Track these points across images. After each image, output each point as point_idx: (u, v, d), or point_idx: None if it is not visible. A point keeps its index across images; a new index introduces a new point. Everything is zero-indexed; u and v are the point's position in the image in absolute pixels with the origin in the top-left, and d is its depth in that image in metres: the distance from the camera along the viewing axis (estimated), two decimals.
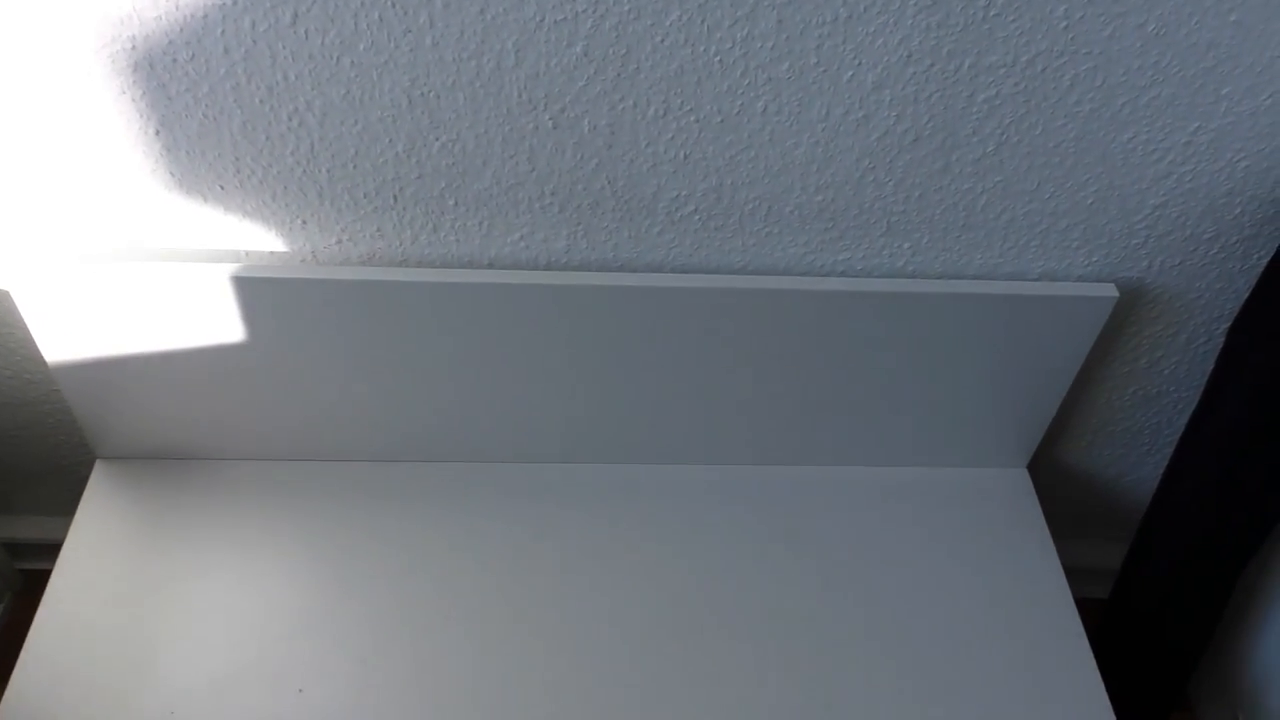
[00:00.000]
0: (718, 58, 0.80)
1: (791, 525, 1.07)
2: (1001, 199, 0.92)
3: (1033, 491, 1.13)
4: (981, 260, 0.97)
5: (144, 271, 0.90)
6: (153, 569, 0.98)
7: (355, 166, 0.87)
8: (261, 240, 0.93)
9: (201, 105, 0.82)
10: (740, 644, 0.97)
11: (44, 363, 1.05)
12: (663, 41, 0.79)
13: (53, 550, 1.26)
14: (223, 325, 0.94)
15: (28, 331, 1.02)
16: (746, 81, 0.82)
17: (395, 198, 0.90)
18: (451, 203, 0.90)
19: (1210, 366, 1.06)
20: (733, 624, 0.99)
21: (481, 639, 0.95)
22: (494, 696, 0.92)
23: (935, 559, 1.05)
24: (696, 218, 0.92)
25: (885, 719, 0.93)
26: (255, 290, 0.91)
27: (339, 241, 0.93)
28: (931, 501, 1.10)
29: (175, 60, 0.79)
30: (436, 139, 0.85)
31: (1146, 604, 1.14)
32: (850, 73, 0.81)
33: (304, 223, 0.91)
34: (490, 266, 0.96)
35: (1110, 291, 0.97)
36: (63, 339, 0.94)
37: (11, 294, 0.92)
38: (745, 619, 0.99)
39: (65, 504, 1.24)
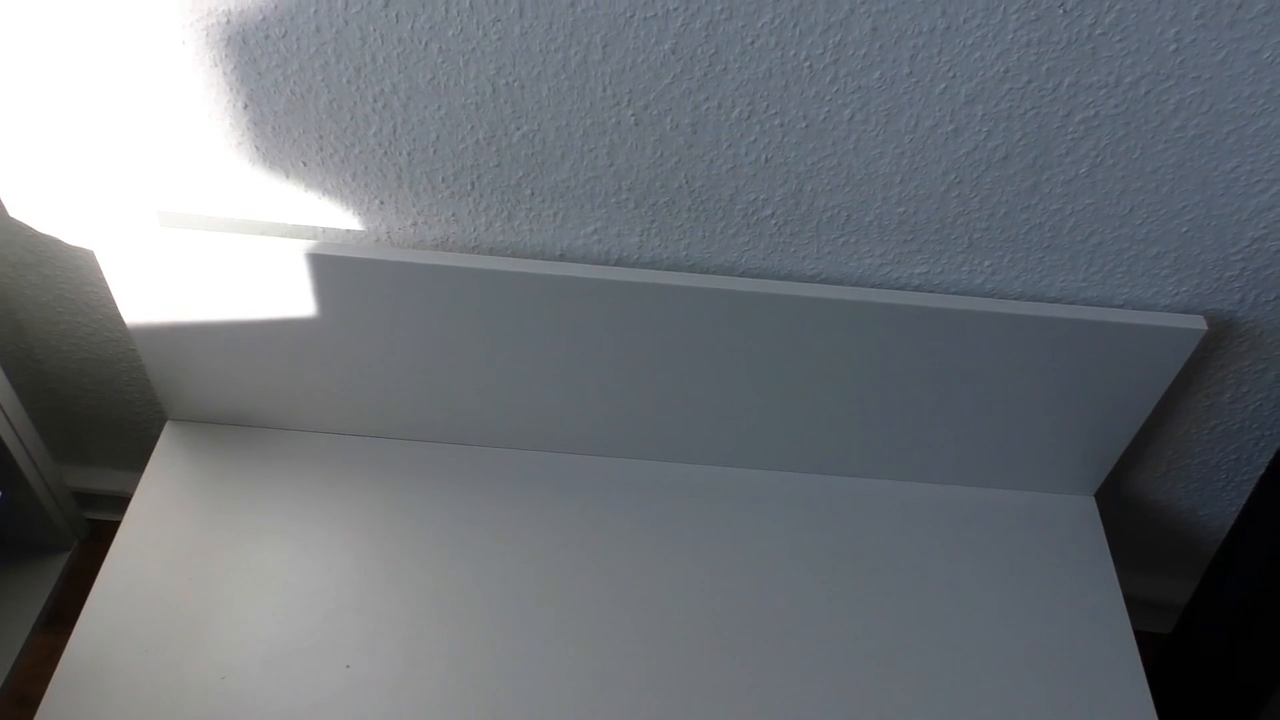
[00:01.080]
0: (808, 62, 0.78)
1: (847, 538, 1.05)
2: (1091, 222, 0.89)
3: (1098, 520, 1.10)
4: (1064, 283, 0.94)
5: (224, 242, 0.91)
6: (214, 533, 1.00)
7: (435, 151, 0.87)
8: (338, 218, 0.94)
9: (290, 82, 0.83)
10: (785, 658, 0.96)
11: (122, 322, 1.07)
12: (753, 43, 0.77)
13: (120, 502, 1.30)
14: (296, 299, 0.95)
15: (109, 290, 1.04)
16: (835, 88, 0.80)
17: (473, 184, 0.90)
18: (528, 192, 0.90)
19: None
20: (774, 638, 0.98)
21: (531, 629, 0.96)
22: (537, 688, 0.92)
23: (994, 581, 1.03)
24: (773, 222, 0.91)
25: None
26: (330, 267, 0.92)
27: (414, 224, 0.94)
28: (993, 523, 1.08)
29: (268, 36, 0.80)
30: (518, 128, 0.85)
31: (1214, 641, 1.10)
32: (943, 85, 0.79)
33: (381, 204, 0.92)
34: (562, 258, 0.95)
35: (1199, 324, 0.93)
36: (141, 301, 0.96)
37: (96, 254, 0.94)
38: (789, 633, 0.98)
39: (135, 459, 1.27)
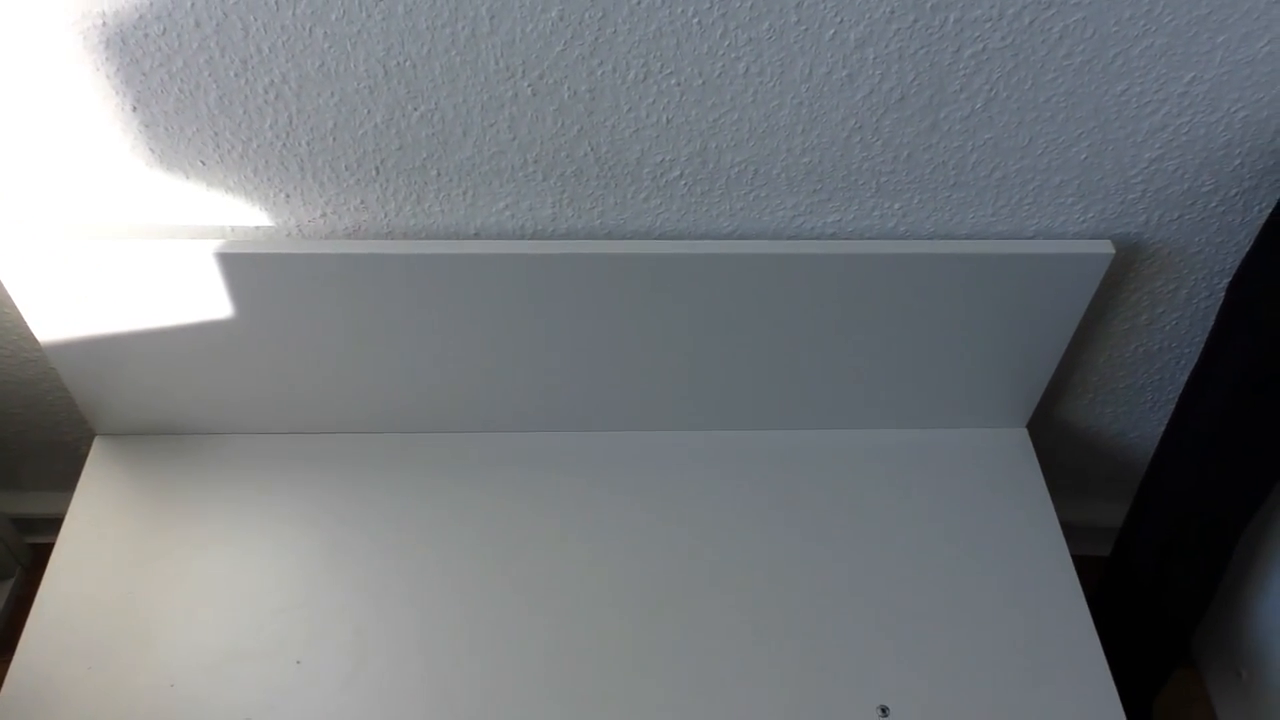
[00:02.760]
0: (695, 19, 0.78)
1: (787, 490, 1.06)
2: (992, 156, 0.90)
3: (1032, 451, 1.12)
4: (974, 219, 0.95)
5: (130, 249, 0.90)
6: (152, 543, 0.99)
7: (335, 139, 0.86)
8: (246, 215, 0.92)
9: (177, 80, 0.81)
10: (737, 609, 0.97)
11: (37, 341, 1.05)
12: (639, 4, 0.77)
13: (58, 524, 1.28)
14: (211, 301, 0.94)
15: (19, 311, 1.02)
16: (726, 43, 0.80)
17: (377, 169, 0.89)
18: (434, 173, 0.89)
19: (1211, 322, 1.04)
20: (729, 590, 0.99)
21: (478, 609, 0.96)
22: (491, 668, 0.92)
23: (933, 520, 1.05)
24: (682, 183, 0.91)
25: (881, 680, 0.94)
26: (241, 265, 0.91)
27: (323, 215, 0.93)
28: (930, 463, 1.10)
29: (147, 35, 0.78)
30: (415, 109, 0.84)
31: (1147, 561, 1.13)
32: (832, 31, 0.79)
33: (287, 197, 0.91)
34: (476, 236, 0.95)
35: (1106, 249, 0.95)
36: (53, 317, 0.95)
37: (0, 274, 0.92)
38: (741, 584, 0.99)
39: (68, 479, 1.24)
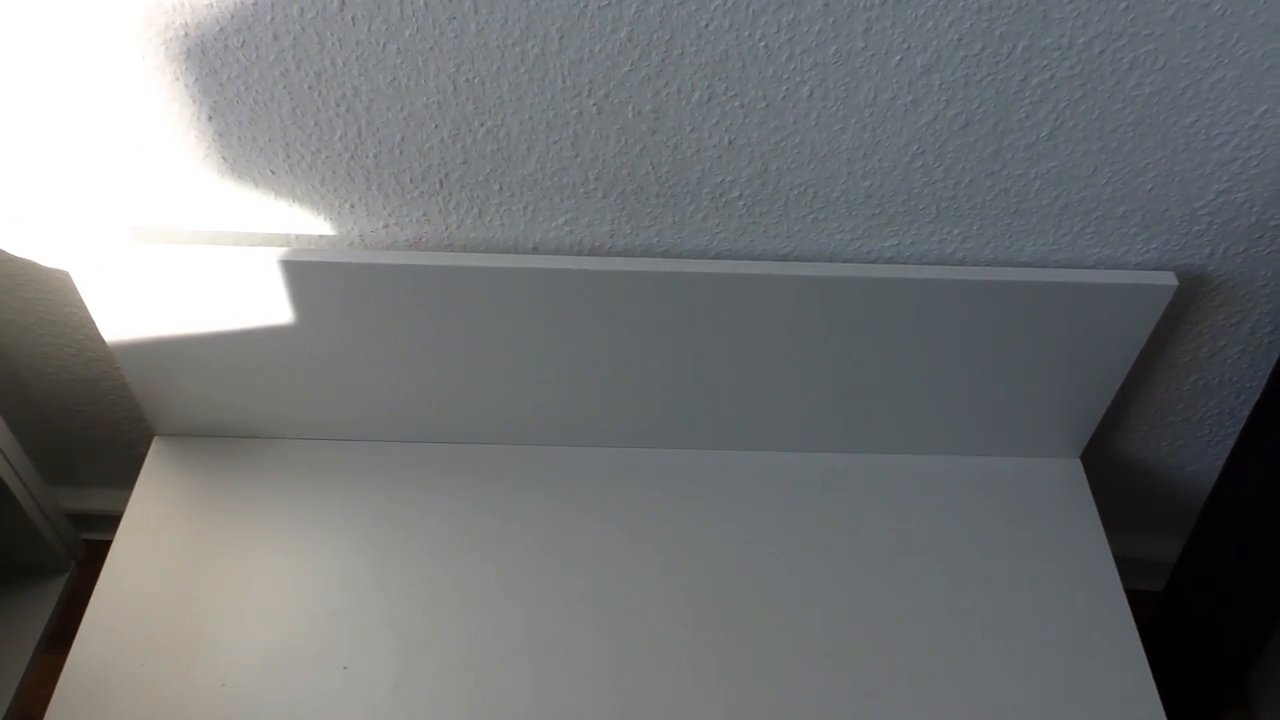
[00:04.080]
0: (763, 42, 0.79)
1: (837, 513, 1.06)
2: (1055, 185, 0.89)
3: (1085, 481, 1.10)
4: (1034, 247, 0.95)
5: (197, 254, 0.92)
6: (206, 544, 1.00)
7: (401, 152, 0.88)
8: (310, 225, 0.94)
9: (252, 91, 0.83)
10: (783, 633, 0.97)
11: (103, 341, 1.08)
12: (707, 26, 0.78)
13: (114, 521, 1.30)
14: (273, 307, 0.95)
15: (87, 310, 1.04)
16: (792, 66, 0.80)
17: (441, 183, 0.90)
18: (496, 188, 0.90)
19: (1277, 356, 1.02)
20: (775, 613, 0.98)
21: (526, 620, 0.96)
22: (538, 678, 0.93)
23: (984, 548, 1.04)
24: (741, 203, 0.91)
25: (932, 710, 0.93)
26: (304, 274, 0.93)
27: (386, 226, 0.94)
28: (981, 491, 1.08)
29: (226, 47, 0.80)
30: (481, 124, 0.85)
31: (1203, 597, 1.11)
32: (899, 57, 0.80)
33: (352, 207, 0.92)
34: (534, 251, 0.96)
35: (1169, 280, 0.94)
36: (120, 318, 0.97)
37: (71, 274, 0.94)
38: (787, 607, 0.99)
39: (125, 477, 1.27)
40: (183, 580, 0.98)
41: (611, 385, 1.03)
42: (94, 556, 1.32)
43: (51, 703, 0.89)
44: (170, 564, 0.99)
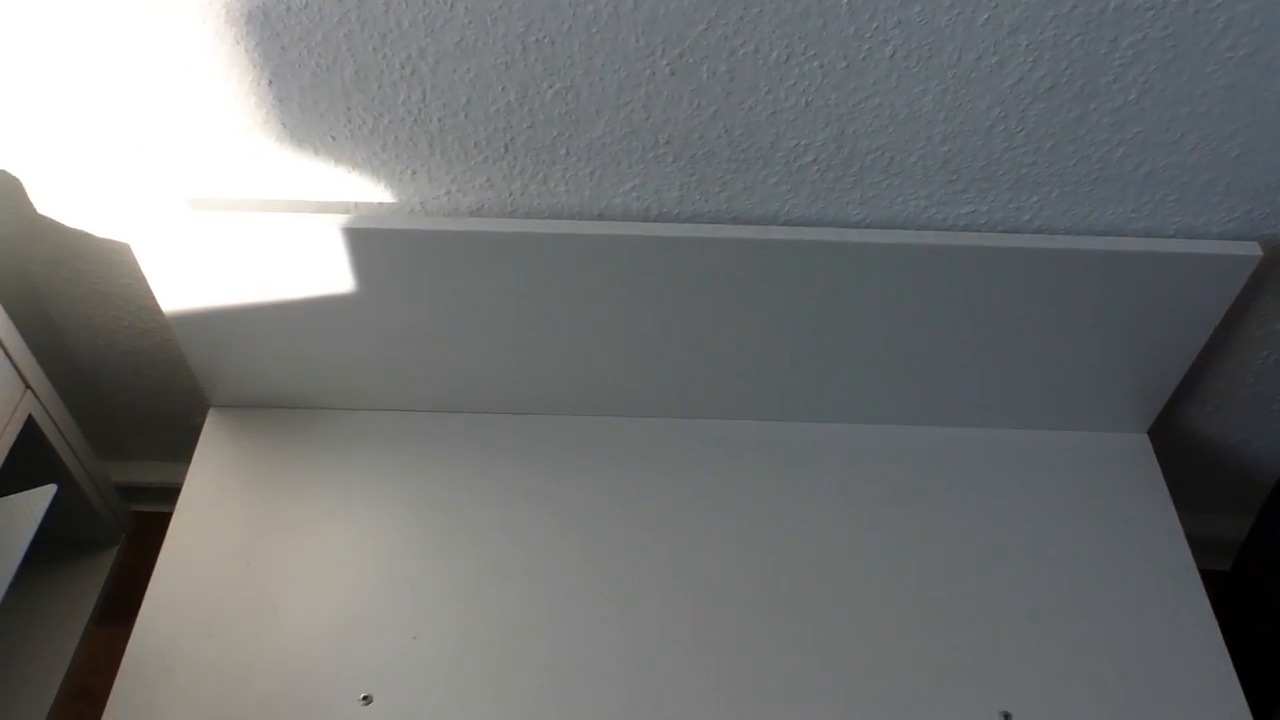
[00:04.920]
0: (845, 1, 0.76)
1: (901, 487, 1.04)
2: (1140, 151, 0.86)
3: (1153, 457, 1.08)
4: (1113, 215, 0.92)
5: (256, 222, 0.90)
6: (267, 515, 0.99)
7: (467, 115, 0.85)
8: (371, 191, 0.92)
9: (315, 55, 0.81)
10: (852, 608, 0.95)
11: (158, 313, 1.07)
12: None
13: (162, 494, 1.30)
14: (332, 276, 0.94)
15: (143, 283, 1.03)
16: (875, 25, 0.78)
17: (506, 147, 0.88)
18: (563, 152, 0.88)
19: None
20: (843, 588, 0.97)
21: (592, 588, 0.95)
22: (605, 645, 0.91)
23: (1051, 524, 1.02)
24: (814, 168, 0.89)
25: (1002, 686, 0.91)
26: (365, 241, 0.91)
27: (448, 192, 0.92)
28: (1048, 465, 1.06)
29: (289, 9, 0.78)
30: (550, 86, 0.83)
31: (1272, 577, 1.09)
32: (986, 15, 0.77)
33: (414, 173, 0.90)
34: (600, 218, 0.94)
35: (1253, 250, 0.91)
36: (178, 289, 0.96)
37: (130, 245, 0.93)
38: (855, 582, 0.97)
39: (175, 450, 1.26)
40: (244, 552, 0.97)
41: (676, 356, 1.01)
42: (144, 529, 1.32)
43: (119, 673, 0.88)
44: (231, 536, 0.98)
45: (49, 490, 0.84)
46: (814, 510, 1.02)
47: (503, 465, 1.04)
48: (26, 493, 0.85)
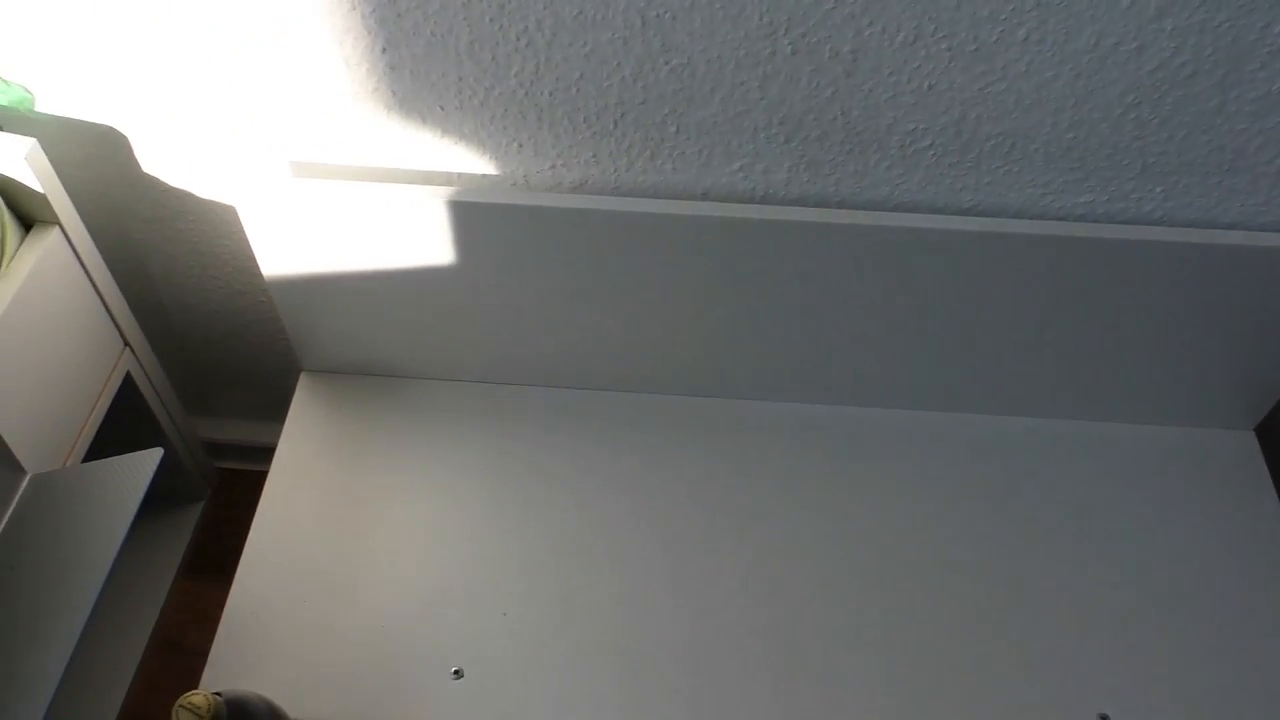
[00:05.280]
0: None
1: (998, 478, 1.02)
2: (1278, 142, 0.83)
3: (1260, 455, 1.05)
4: (1241, 208, 0.88)
5: (360, 191, 0.90)
6: (359, 482, 1.00)
7: (579, 90, 0.84)
8: (474, 164, 0.91)
9: (430, 23, 0.80)
10: (946, 602, 0.94)
11: (253, 274, 1.07)
12: None
13: (243, 451, 1.32)
14: (432, 247, 0.93)
15: (241, 244, 1.03)
16: (1011, 7, 0.75)
17: (615, 123, 0.86)
18: (673, 129, 0.86)
19: None
20: (935, 581, 0.95)
21: (681, 568, 0.95)
22: (695, 625, 0.91)
23: (1152, 520, 1.00)
24: (931, 153, 0.86)
25: (1101, 687, 0.89)
26: (466, 214, 0.90)
27: (553, 167, 0.91)
28: (1151, 461, 1.04)
29: None
30: (666, 63, 0.81)
31: None
32: None
33: (520, 146, 0.89)
34: (703, 197, 0.92)
35: None
36: (279, 253, 0.96)
37: (236, 208, 0.93)
38: (950, 576, 0.96)
39: (258, 409, 1.28)
40: (336, 519, 0.97)
41: (771, 338, 1.00)
42: (226, 485, 1.34)
43: (218, 633, 0.89)
44: (323, 501, 0.99)
45: (156, 453, 0.85)
46: (905, 501, 1.00)
47: (592, 442, 1.03)
48: (133, 455, 0.86)
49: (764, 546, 0.97)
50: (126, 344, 1.06)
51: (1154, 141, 0.83)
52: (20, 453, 0.90)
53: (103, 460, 0.87)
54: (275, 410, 1.27)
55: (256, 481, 1.00)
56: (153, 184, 0.98)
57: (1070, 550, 0.97)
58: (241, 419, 1.31)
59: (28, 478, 0.90)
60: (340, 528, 0.97)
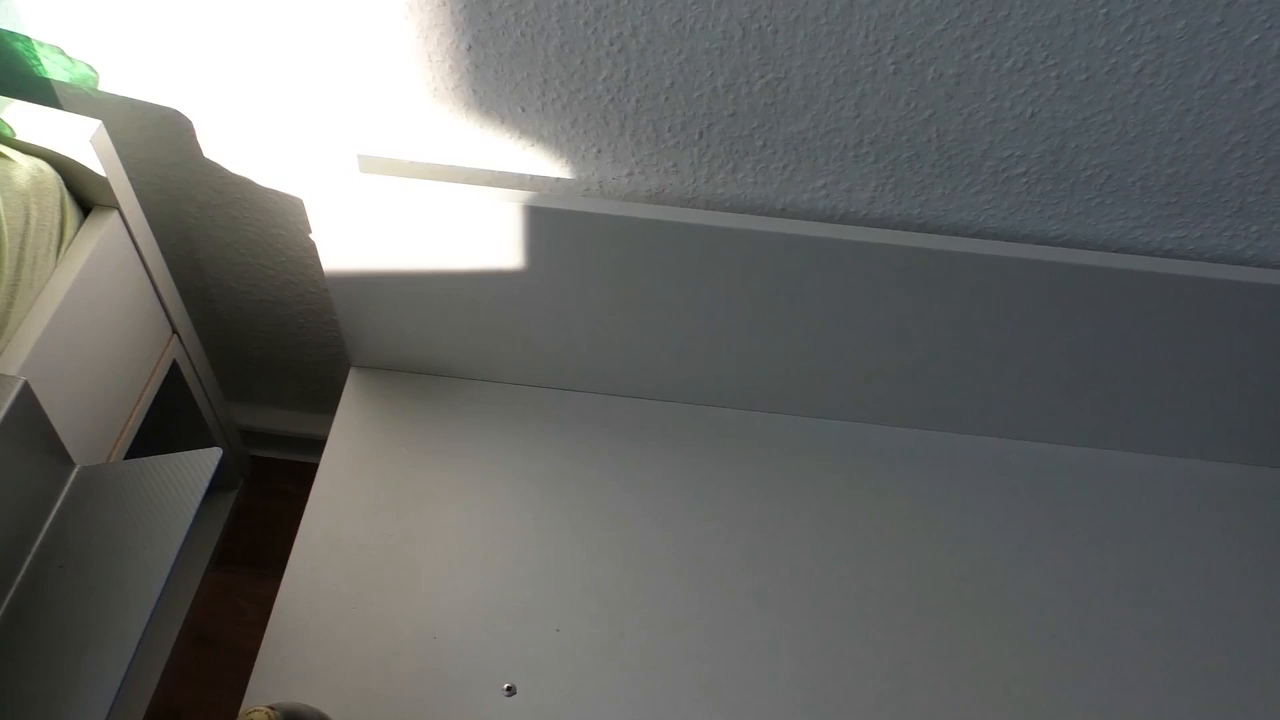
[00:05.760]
0: (1104, 9, 0.71)
1: (1062, 508, 1.00)
2: None
3: None
4: None
5: (429, 190, 0.87)
6: (409, 486, 0.98)
7: (667, 99, 0.81)
8: (550, 167, 0.89)
9: (522, 23, 0.77)
10: (1007, 634, 0.92)
11: (305, 266, 1.04)
12: None
13: (278, 440, 1.29)
14: (497, 250, 0.91)
15: (295, 234, 1.01)
16: (1130, 38, 0.72)
17: (701, 134, 0.84)
18: (759, 143, 0.84)
19: None
20: (997, 609, 0.93)
21: (736, 590, 0.93)
22: (746, 647, 0.89)
23: (1202, 556, 0.98)
24: (1023, 180, 0.84)
25: (1111, 711, 0.88)
26: (537, 219, 0.88)
27: (630, 174, 0.88)
28: (1210, 496, 1.02)
29: None
30: (761, 76, 0.78)
31: None
32: (1256, 36, 0.71)
33: (599, 152, 0.87)
34: (782, 214, 0.90)
35: None
36: (342, 248, 0.93)
37: (304, 200, 0.90)
38: (1015, 604, 0.94)
39: (298, 399, 1.25)
40: (387, 520, 0.95)
41: (837, 358, 0.97)
42: (260, 475, 1.31)
43: (263, 644, 0.87)
44: (374, 501, 0.96)
45: (214, 453, 0.83)
46: (960, 524, 0.98)
47: (650, 453, 1.01)
48: (191, 454, 0.83)
49: (825, 566, 0.95)
50: (174, 331, 1.03)
51: (1256, 181, 0.81)
52: (70, 444, 0.87)
53: (157, 457, 0.84)
54: (314, 401, 1.25)
55: (291, 471, 0.97)
56: (213, 170, 0.95)
57: (1120, 583, 0.95)
58: (279, 407, 1.28)
59: (76, 470, 0.88)
60: (391, 530, 0.95)
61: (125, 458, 0.98)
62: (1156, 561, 0.97)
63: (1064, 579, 0.96)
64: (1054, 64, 0.75)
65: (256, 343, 1.18)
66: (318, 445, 1.26)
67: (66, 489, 0.87)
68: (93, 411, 0.92)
